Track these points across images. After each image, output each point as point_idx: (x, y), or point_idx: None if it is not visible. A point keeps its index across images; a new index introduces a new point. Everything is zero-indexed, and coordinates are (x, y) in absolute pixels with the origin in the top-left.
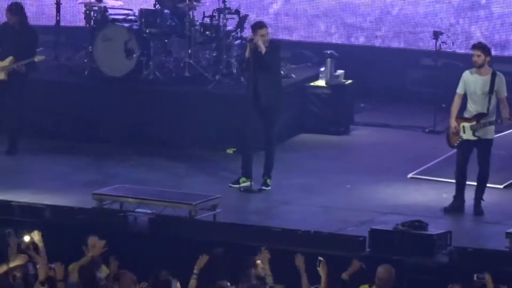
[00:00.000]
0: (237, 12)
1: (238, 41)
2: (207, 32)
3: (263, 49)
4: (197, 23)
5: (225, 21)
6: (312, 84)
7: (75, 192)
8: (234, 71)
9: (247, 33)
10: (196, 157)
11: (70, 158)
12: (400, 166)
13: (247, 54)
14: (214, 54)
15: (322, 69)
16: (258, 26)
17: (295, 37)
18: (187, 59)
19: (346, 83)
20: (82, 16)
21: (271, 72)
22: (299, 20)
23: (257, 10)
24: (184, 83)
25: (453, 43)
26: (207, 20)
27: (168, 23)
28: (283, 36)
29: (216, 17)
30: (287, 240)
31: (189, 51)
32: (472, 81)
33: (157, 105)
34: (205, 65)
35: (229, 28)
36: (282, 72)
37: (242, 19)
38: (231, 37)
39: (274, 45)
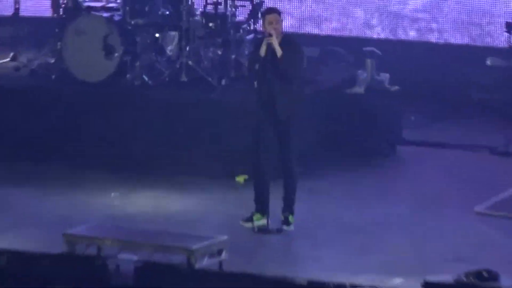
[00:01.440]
0: None
1: (250, 36)
2: (210, 24)
3: (278, 52)
4: (198, 12)
5: (234, 9)
6: (348, 91)
7: (39, 231)
8: (246, 73)
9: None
10: (195, 186)
11: (31, 185)
12: (461, 197)
13: (261, 52)
14: (220, 53)
15: (360, 72)
16: (266, 11)
17: (324, 30)
18: (185, 59)
19: (392, 90)
20: (48, 3)
21: (290, 77)
22: (330, 9)
23: None
24: (180, 89)
25: None
26: (211, 8)
27: (159, 12)
28: (310, 29)
29: (223, 4)
30: None
31: (187, 49)
32: None
33: (145, 119)
34: (207, 67)
35: (239, 18)
36: (305, 76)
37: (256, 7)
38: (241, 31)
39: (291, 40)
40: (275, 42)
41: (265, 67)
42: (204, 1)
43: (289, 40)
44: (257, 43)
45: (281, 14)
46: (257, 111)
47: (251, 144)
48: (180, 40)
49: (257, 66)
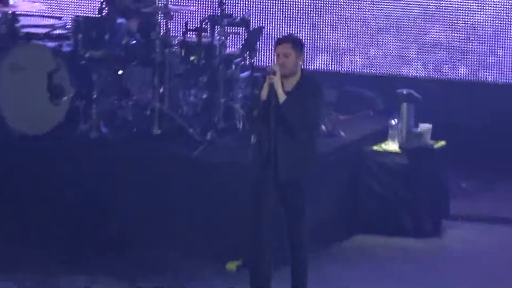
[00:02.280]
0: (244, 22)
1: (246, 73)
2: (192, 58)
3: (280, 95)
4: (175, 42)
5: (223, 38)
6: (375, 148)
7: None
8: (239, 124)
9: (264, 57)
10: (173, 275)
11: None
12: None
13: (263, 95)
14: (205, 96)
15: (393, 122)
16: (276, 41)
17: (345, 65)
18: (158, 104)
19: (436, 146)
20: None
21: (298, 129)
22: (353, 37)
23: (280, 19)
24: (152, 145)
25: None
26: (192, 36)
27: (123, 42)
28: (325, 63)
29: (208, 31)
30: None
31: (161, 90)
32: None
33: (104, 185)
34: (188, 115)
35: (230, 50)
36: (324, 128)
37: (254, 35)
38: (234, 66)
39: (310, 81)
40: (277, 82)
41: (267, 115)
42: (184, 27)
43: (307, 82)
44: (260, 83)
45: (300, 46)
46: (256, 174)
47: (247, 217)
48: (151, 78)
49: (255, 113)
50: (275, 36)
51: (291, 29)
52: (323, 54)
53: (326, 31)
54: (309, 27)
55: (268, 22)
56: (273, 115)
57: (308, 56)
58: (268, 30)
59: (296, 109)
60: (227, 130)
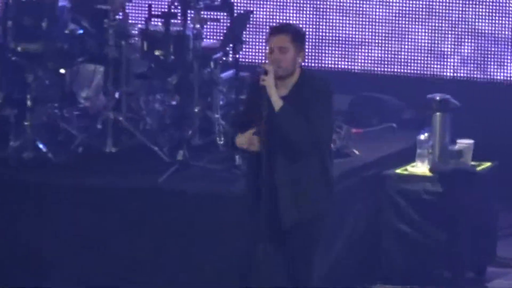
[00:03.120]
0: (227, 5)
1: (228, 73)
2: (157, 52)
3: (276, 103)
4: (135, 31)
5: (199, 26)
6: (399, 172)
7: None
8: (220, 140)
9: (253, 52)
10: None
11: None
12: None
13: (239, 140)
14: (174, 103)
15: (423, 137)
16: (272, 31)
17: (360, 62)
18: (112, 114)
19: (479, 168)
20: None
21: (302, 148)
22: (371, 26)
23: (274, 2)
24: (104, 169)
25: None
26: (157, 24)
27: (67, 31)
28: (334, 60)
29: (180, 17)
30: None
31: (117, 95)
32: None
33: (43, 220)
34: (153, 128)
35: (208, 42)
36: (332, 144)
37: (239, 22)
38: (212, 64)
39: (312, 81)
40: (271, 86)
41: (261, 129)
42: (146, 12)
43: (310, 83)
44: (250, 86)
45: (300, 38)
46: (248, 212)
47: (235, 269)
48: (104, 80)
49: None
50: (268, 24)
51: (289, 16)
52: (330, 48)
53: (335, 18)
54: (312, 13)
55: (259, 6)
56: (266, 129)
57: (311, 51)
58: (259, 16)
59: (298, 120)
60: (204, 148)
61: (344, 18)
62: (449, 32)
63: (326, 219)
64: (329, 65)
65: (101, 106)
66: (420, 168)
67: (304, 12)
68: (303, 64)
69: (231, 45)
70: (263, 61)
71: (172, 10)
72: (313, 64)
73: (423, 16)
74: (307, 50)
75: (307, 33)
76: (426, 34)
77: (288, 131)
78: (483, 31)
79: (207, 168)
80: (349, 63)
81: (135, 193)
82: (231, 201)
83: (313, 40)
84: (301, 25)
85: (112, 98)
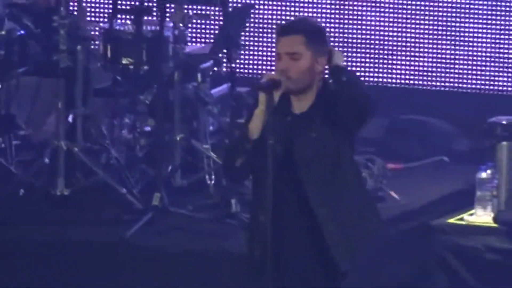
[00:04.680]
0: None
1: (221, 88)
2: (124, 60)
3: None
4: (96, 31)
5: (181, 26)
6: (452, 222)
7: None
8: (210, 179)
9: (254, 60)
10: None
11: None
12: None
13: (252, 128)
14: (148, 129)
15: (484, 174)
16: (281, 30)
17: (397, 74)
18: (63, 143)
19: None
20: None
21: (330, 181)
22: (409, 23)
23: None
24: (54, 217)
25: None
26: (126, 22)
27: (2, 32)
28: (359, 71)
29: (156, 14)
30: None
31: (70, 118)
32: None
33: None
34: (119, 162)
35: (194, 46)
36: (365, 181)
37: (235, 20)
38: (200, 76)
39: None
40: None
41: (263, 166)
42: (111, 6)
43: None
44: (246, 106)
45: (319, 39)
46: (255, 271)
47: None
48: (53, 98)
49: (239, 162)
50: (275, 21)
51: (303, 12)
52: (359, 55)
53: (366, 16)
54: (336, 8)
55: None
56: (271, 163)
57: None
58: (263, 12)
59: (323, 144)
60: (189, 189)
61: (379, 15)
62: None
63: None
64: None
65: (49, 133)
66: (481, 217)
67: (325, 7)
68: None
69: (224, 50)
70: (266, 71)
71: (145, 4)
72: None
73: (484, 16)
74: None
75: (329, 34)
76: (488, 39)
77: (355, 84)
78: None
79: (193, 217)
80: (385, 75)
81: (95, 250)
82: (225, 261)
83: (337, 44)
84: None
85: (64, 122)
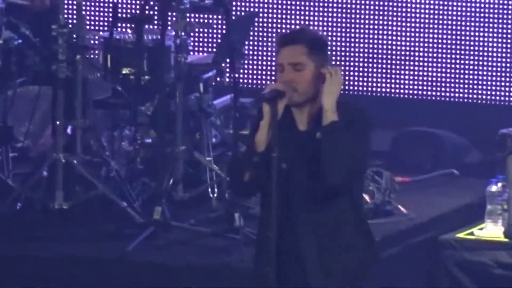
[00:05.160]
0: (221, 5)
1: (225, 99)
2: (124, 70)
3: (328, 112)
4: (95, 40)
5: (183, 34)
6: (462, 236)
7: None
8: (213, 193)
9: (258, 70)
10: None
11: None
12: None
13: (258, 141)
14: (149, 141)
15: (494, 188)
16: (282, 40)
17: (404, 84)
18: (61, 156)
19: None
20: None
21: (335, 199)
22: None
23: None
24: (52, 232)
25: None
26: (126, 30)
27: (0, 41)
28: (363, 82)
29: (157, 22)
30: None
31: (69, 130)
32: None
33: None
34: (119, 175)
35: (196, 56)
36: (367, 198)
37: (239, 28)
38: (202, 86)
39: (349, 111)
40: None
41: (269, 180)
42: (111, 14)
43: (342, 110)
44: (251, 118)
45: (321, 49)
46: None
47: None
48: (52, 109)
49: (247, 177)
50: (277, 30)
51: (308, 20)
52: (364, 65)
53: (371, 23)
54: (340, 16)
55: (268, 5)
56: (276, 176)
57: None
58: (266, 21)
59: (345, 143)
60: (191, 203)
61: (386, 25)
62: None
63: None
64: (361, 88)
65: (47, 145)
66: (491, 231)
67: (331, 16)
68: None
69: (227, 60)
70: (270, 81)
71: (146, 12)
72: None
73: (495, 26)
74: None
75: (332, 43)
76: (499, 49)
77: (332, 152)
78: None
79: (195, 231)
80: (391, 86)
81: (95, 265)
82: (228, 277)
83: (341, 54)
84: (323, 31)
85: (62, 133)
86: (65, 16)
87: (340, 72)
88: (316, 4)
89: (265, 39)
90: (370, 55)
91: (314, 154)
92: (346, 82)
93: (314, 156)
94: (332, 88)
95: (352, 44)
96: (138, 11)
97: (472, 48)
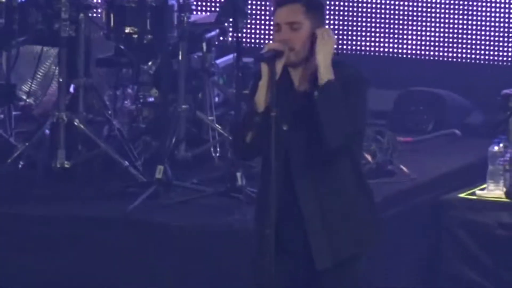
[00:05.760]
0: None
1: (227, 58)
2: (128, 29)
3: (325, 74)
4: None
5: None
6: (464, 197)
7: None
8: (215, 152)
9: (260, 29)
10: None
11: None
12: None
13: (259, 100)
14: (152, 99)
15: (496, 148)
16: (282, 0)
17: (407, 44)
18: (64, 114)
19: None
20: None
21: (339, 160)
22: None
23: None
24: (54, 191)
25: None
26: None
27: None
28: (366, 42)
29: None
30: None
31: (71, 88)
32: None
33: None
34: (122, 134)
35: (199, 15)
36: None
37: None
38: (205, 45)
39: (344, 72)
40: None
41: (270, 138)
42: None
43: (337, 71)
44: (253, 77)
45: (318, 8)
46: (258, 253)
47: None
48: (54, 68)
49: (249, 137)
50: None
51: None
52: (366, 24)
53: None
54: None
55: None
56: (290, 134)
57: (338, 28)
58: None
59: (342, 105)
60: (194, 163)
61: None
62: None
63: (364, 259)
64: (365, 48)
65: (50, 104)
66: (493, 191)
67: None
68: None
69: (230, 19)
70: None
71: None
72: (342, 47)
73: None
74: (333, 27)
75: (334, 4)
76: (502, 9)
77: (329, 113)
78: None
79: (197, 190)
80: (394, 45)
81: (97, 224)
82: (230, 237)
83: (344, 13)
84: None
85: (66, 92)
86: None
87: (331, 33)
88: None
89: None
90: (373, 15)
91: (312, 115)
92: (350, 42)
93: (312, 118)
94: (325, 48)
95: (355, 4)
96: None
97: (476, 8)
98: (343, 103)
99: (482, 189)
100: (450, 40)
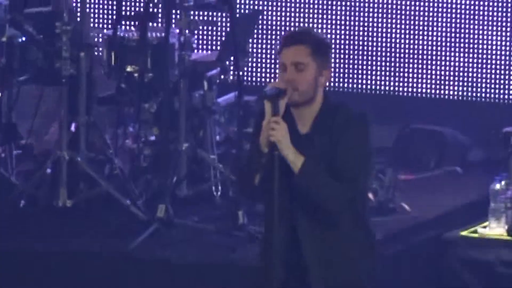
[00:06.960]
0: (226, 1)
1: (229, 97)
2: (129, 68)
3: (294, 161)
4: (99, 38)
5: (187, 32)
6: (466, 234)
7: None
8: (217, 191)
9: (263, 68)
10: None
11: None
12: None
13: (263, 141)
14: (153, 138)
15: (498, 186)
16: (285, 40)
17: (407, 83)
18: (65, 153)
19: None
20: None
21: (336, 206)
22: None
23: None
24: (55, 229)
25: None
26: (130, 28)
27: (3, 39)
28: (367, 80)
29: (161, 20)
30: None
31: (73, 127)
32: None
33: None
34: (123, 173)
35: (200, 54)
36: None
37: (243, 26)
38: (206, 83)
39: (345, 114)
40: (281, 141)
41: (277, 181)
42: (115, 12)
43: (335, 112)
44: (259, 116)
45: (324, 51)
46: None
47: None
48: (55, 106)
49: (258, 179)
50: (284, 28)
51: (311, 19)
52: (367, 64)
53: (375, 21)
54: (343, 15)
55: (271, 4)
56: (277, 174)
57: (339, 68)
58: (270, 19)
59: (324, 177)
60: (195, 200)
61: (390, 23)
62: None
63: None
64: (365, 87)
65: (51, 142)
66: (495, 229)
67: (334, 13)
68: (327, 86)
69: (231, 58)
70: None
71: (150, 10)
72: (343, 85)
73: (497, 24)
74: (334, 65)
75: (334, 42)
76: (502, 47)
77: (316, 193)
78: None
79: (198, 228)
80: (395, 84)
81: (98, 262)
82: (233, 274)
83: (345, 51)
84: (327, 32)
85: (66, 131)
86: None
87: (281, 121)
88: (320, 2)
89: (269, 37)
90: (374, 53)
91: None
92: (351, 80)
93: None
94: (277, 138)
95: (356, 42)
96: (142, 9)
97: (476, 46)
98: (326, 175)
99: (484, 227)
100: (451, 78)
